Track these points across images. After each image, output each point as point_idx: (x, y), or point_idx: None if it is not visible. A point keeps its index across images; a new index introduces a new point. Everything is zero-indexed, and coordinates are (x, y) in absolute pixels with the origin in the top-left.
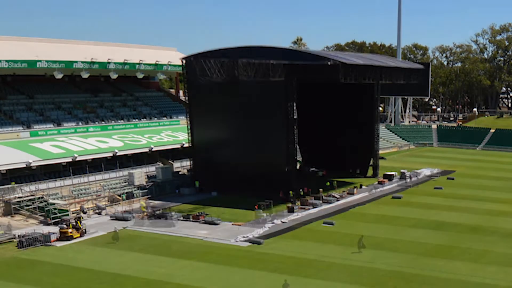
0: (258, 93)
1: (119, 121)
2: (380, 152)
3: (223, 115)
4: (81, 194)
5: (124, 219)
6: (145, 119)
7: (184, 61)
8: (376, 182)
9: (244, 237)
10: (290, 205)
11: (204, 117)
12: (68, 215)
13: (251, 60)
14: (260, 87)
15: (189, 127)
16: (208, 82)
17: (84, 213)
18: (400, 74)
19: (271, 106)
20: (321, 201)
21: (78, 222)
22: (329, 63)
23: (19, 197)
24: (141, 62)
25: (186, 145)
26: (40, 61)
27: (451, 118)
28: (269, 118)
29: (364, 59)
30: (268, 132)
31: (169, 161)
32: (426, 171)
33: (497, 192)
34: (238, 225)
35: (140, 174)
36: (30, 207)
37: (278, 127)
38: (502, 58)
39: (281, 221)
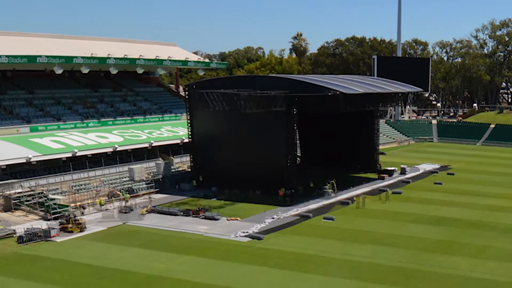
0: (259, 119)
1: (119, 116)
2: (380, 147)
3: (225, 138)
4: (81, 190)
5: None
6: (145, 115)
7: (186, 88)
8: (377, 177)
9: (244, 232)
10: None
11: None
12: (68, 210)
13: (253, 93)
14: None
15: (189, 123)
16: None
17: (84, 208)
18: (400, 97)
19: (272, 129)
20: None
21: (79, 216)
22: (329, 93)
23: (19, 193)
24: (141, 57)
25: (186, 140)
26: (40, 56)
27: (451, 114)
28: (270, 132)
29: (363, 85)
30: (268, 131)
31: (170, 157)
32: (426, 166)
33: (497, 188)
34: (234, 220)
35: (140, 170)
36: (30, 202)
37: (279, 136)
38: (502, 54)
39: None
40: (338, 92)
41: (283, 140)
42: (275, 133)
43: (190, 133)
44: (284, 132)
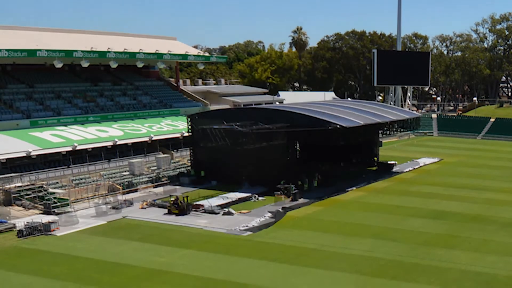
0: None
1: (119, 110)
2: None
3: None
4: (80, 184)
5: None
6: (145, 108)
7: (188, 118)
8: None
9: (244, 226)
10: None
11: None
12: (68, 204)
13: (255, 129)
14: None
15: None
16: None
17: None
18: (400, 124)
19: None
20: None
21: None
22: (329, 127)
23: (19, 187)
24: (141, 51)
25: (186, 134)
26: (40, 50)
27: (451, 108)
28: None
29: (364, 114)
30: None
31: (170, 151)
32: (425, 160)
33: (497, 181)
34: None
35: (140, 164)
36: (30, 196)
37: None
38: (502, 48)
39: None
40: (338, 126)
41: (285, 149)
42: (276, 145)
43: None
44: (286, 147)
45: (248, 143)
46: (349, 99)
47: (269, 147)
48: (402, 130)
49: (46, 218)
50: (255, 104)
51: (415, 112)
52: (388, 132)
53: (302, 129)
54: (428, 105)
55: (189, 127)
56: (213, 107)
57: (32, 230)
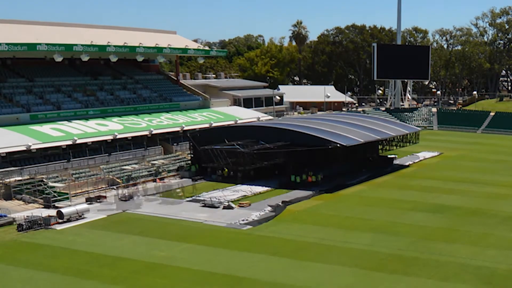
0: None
1: (119, 104)
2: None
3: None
4: (80, 177)
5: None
6: (145, 102)
7: (189, 134)
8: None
9: (243, 220)
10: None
11: None
12: (68, 198)
13: (255, 150)
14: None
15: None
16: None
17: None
18: (400, 139)
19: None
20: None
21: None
22: (330, 146)
23: (19, 181)
24: (140, 45)
25: (186, 128)
26: (40, 44)
27: (451, 101)
28: None
29: (364, 130)
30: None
31: (169, 144)
32: (425, 154)
33: (497, 175)
34: (244, 205)
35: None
36: (29, 190)
37: None
38: (502, 42)
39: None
40: (338, 145)
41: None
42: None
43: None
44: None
45: (249, 163)
46: (349, 93)
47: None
48: (402, 145)
49: (46, 212)
50: (255, 98)
51: (414, 126)
52: (387, 147)
53: (303, 148)
54: (428, 99)
55: (191, 146)
56: (213, 100)
57: (32, 224)
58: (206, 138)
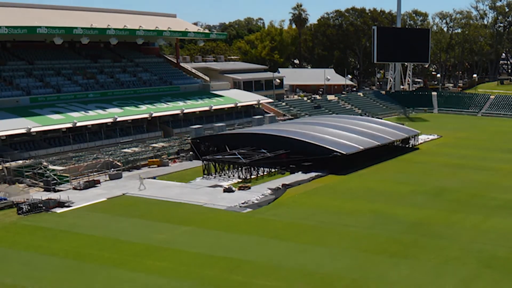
0: None
1: (119, 87)
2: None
3: None
4: (80, 161)
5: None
6: (145, 85)
7: (191, 141)
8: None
9: (243, 203)
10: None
11: None
12: (68, 181)
13: (255, 159)
14: None
15: None
16: None
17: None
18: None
19: None
20: None
21: None
22: (330, 155)
23: (19, 164)
24: (140, 28)
25: (186, 111)
26: (40, 27)
27: (451, 85)
28: None
29: (363, 135)
30: None
31: (169, 127)
32: (425, 137)
33: (497, 159)
34: (244, 187)
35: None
36: (30, 173)
37: None
38: (502, 25)
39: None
40: (339, 154)
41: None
42: None
43: None
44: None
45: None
46: (348, 76)
47: None
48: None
49: (46, 195)
50: (255, 81)
51: (414, 129)
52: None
53: (303, 158)
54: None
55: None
56: (213, 83)
57: (33, 207)
58: (207, 145)
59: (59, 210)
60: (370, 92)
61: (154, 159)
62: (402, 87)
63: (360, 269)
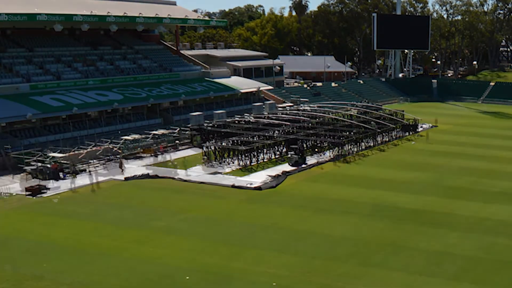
0: None
1: (119, 74)
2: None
3: None
4: (80, 148)
5: None
6: (145, 72)
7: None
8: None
9: (245, 187)
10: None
11: None
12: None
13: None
14: None
15: None
16: None
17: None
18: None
19: None
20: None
21: None
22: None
23: (19, 150)
24: (140, 15)
25: (186, 98)
26: (40, 14)
27: (451, 72)
28: None
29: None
30: None
31: (169, 115)
32: (425, 126)
33: (497, 146)
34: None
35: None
36: (29, 160)
37: None
38: (502, 12)
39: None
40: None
41: None
42: None
43: None
44: None
45: None
46: (348, 63)
47: None
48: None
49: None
50: (255, 68)
51: (414, 116)
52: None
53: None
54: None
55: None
56: (213, 70)
57: (32, 193)
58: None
59: (59, 197)
60: (370, 79)
61: (149, 148)
62: (402, 74)
63: (360, 256)
